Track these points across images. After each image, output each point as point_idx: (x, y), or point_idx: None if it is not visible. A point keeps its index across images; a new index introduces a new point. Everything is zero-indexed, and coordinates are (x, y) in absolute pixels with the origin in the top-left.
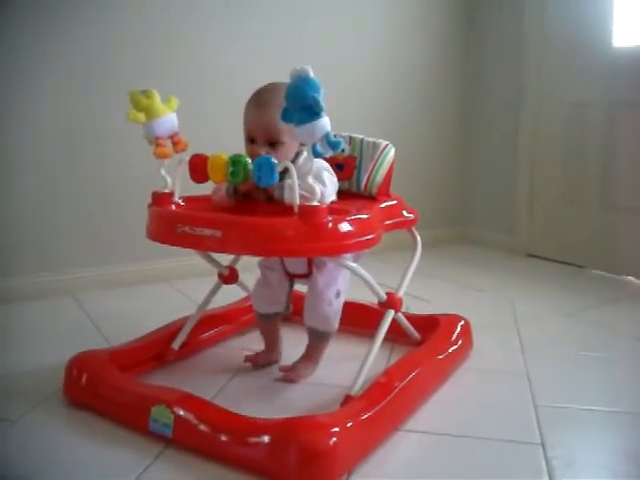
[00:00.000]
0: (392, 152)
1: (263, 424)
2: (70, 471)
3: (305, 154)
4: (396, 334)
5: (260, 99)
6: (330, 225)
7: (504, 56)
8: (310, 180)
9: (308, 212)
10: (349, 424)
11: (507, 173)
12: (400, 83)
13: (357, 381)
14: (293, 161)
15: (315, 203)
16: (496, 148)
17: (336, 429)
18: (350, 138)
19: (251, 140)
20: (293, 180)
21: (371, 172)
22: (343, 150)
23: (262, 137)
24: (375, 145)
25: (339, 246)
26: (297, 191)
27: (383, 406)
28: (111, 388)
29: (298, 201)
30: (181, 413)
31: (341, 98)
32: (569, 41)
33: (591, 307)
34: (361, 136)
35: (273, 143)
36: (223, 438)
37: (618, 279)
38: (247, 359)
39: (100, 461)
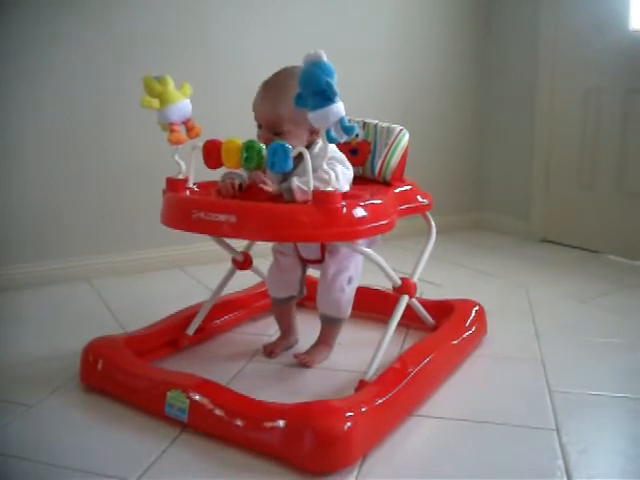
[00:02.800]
0: (406, 137)
1: (278, 409)
2: (87, 455)
3: (320, 144)
4: (410, 319)
5: (263, 90)
6: (344, 211)
7: (520, 40)
8: (325, 166)
9: (322, 198)
10: (363, 409)
11: (522, 159)
12: (415, 68)
13: (371, 366)
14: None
15: (330, 189)
16: (511, 134)
17: (350, 414)
18: (364, 123)
19: (259, 126)
20: (307, 166)
21: (385, 157)
22: (357, 135)
23: (266, 125)
24: (389, 130)
25: (353, 232)
26: (311, 177)
27: (397, 391)
28: (127, 373)
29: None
30: (196, 398)
31: (355, 83)
32: (585, 24)
33: (606, 293)
34: (375, 121)
35: (277, 132)
36: (238, 423)
37: (633, 264)
38: (265, 351)
39: (117, 445)
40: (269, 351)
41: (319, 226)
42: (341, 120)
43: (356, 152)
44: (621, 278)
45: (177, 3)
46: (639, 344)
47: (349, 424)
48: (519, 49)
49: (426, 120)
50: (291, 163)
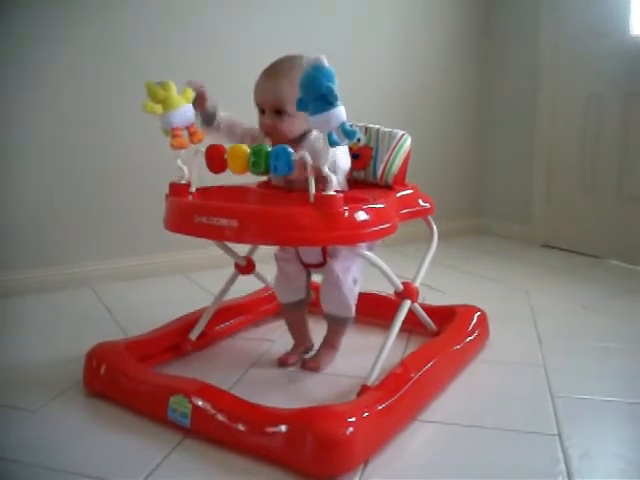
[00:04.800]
0: (408, 142)
1: (280, 414)
2: (89, 460)
3: (314, 133)
4: (412, 325)
5: (270, 70)
6: (346, 214)
7: (521, 45)
8: (326, 170)
9: (324, 201)
10: (365, 414)
11: (523, 164)
12: (416, 73)
13: (373, 371)
14: (300, 140)
15: (331, 192)
16: (513, 139)
17: (352, 419)
18: (366, 128)
19: (262, 111)
20: (309, 173)
21: (387, 162)
22: (359, 140)
23: (269, 106)
24: (391, 135)
25: (355, 235)
26: (312, 181)
27: (399, 396)
28: (130, 378)
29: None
30: (199, 403)
31: (357, 88)
32: (586, 29)
33: (608, 298)
34: (377, 126)
35: (279, 111)
36: (240, 428)
37: (635, 269)
38: (280, 362)
39: (119, 450)
40: (283, 361)
41: (321, 229)
42: (342, 124)
43: (358, 157)
44: (622, 283)
45: (177, 4)
46: None
47: (351, 429)
48: (520, 55)
49: (428, 125)
50: (293, 167)
